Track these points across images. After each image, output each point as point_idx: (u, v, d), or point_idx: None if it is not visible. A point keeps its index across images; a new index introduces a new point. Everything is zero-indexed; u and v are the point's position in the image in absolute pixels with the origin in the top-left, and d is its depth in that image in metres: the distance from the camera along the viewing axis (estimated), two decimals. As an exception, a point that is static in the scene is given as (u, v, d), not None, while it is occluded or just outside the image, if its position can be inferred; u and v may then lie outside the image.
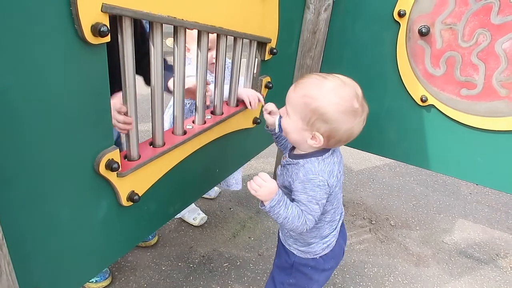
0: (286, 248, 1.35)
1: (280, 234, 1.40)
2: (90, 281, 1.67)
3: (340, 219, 1.31)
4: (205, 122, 1.41)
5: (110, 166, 1.04)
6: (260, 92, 1.67)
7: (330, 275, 1.42)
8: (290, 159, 1.20)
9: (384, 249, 2.15)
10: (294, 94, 1.09)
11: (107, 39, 0.89)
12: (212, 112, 1.49)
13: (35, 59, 0.75)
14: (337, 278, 1.91)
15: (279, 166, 1.31)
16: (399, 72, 1.83)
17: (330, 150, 1.16)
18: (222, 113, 1.50)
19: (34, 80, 0.77)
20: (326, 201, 1.15)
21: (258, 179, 1.08)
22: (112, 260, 1.38)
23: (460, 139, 1.85)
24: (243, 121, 1.64)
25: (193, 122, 1.40)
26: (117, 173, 1.08)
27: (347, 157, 3.10)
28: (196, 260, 1.90)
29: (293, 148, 1.24)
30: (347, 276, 1.94)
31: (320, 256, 1.31)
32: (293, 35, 1.80)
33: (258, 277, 1.85)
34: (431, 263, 2.09)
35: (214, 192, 2.39)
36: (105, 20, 0.87)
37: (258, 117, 1.72)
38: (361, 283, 1.90)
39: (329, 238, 1.29)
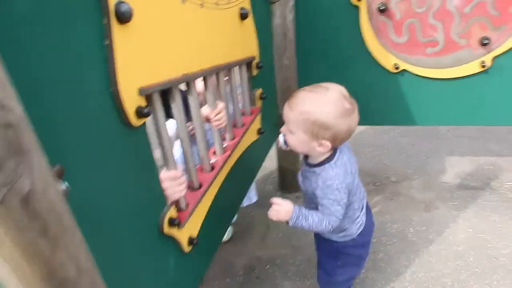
0: (326, 239, 1.51)
1: (315, 230, 1.56)
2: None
3: (364, 198, 1.48)
4: (225, 151, 1.51)
5: (173, 223, 1.13)
6: (254, 104, 1.78)
7: (370, 247, 1.60)
8: (308, 168, 1.35)
9: (395, 205, 2.36)
10: (292, 113, 1.21)
11: (148, 117, 0.97)
12: (224, 139, 1.59)
13: (91, 147, 0.80)
14: (367, 245, 2.10)
15: (299, 173, 1.45)
16: (368, 49, 1.99)
17: (338, 151, 1.30)
18: (234, 137, 1.60)
19: (90, 164, 0.82)
20: (349, 195, 1.31)
21: (275, 206, 1.28)
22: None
23: (432, 91, 2.06)
24: (250, 136, 1.75)
25: (214, 153, 1.50)
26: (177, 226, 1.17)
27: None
28: (241, 272, 2.02)
29: (307, 155, 1.37)
30: (374, 240, 2.13)
31: (357, 235, 1.47)
32: (269, 44, 1.90)
33: (301, 268, 2.00)
34: (438, 205, 2.32)
35: None
36: (144, 102, 0.95)
37: (260, 127, 1.84)
38: (388, 242, 2.10)
39: (359, 218, 1.45)
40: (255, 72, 1.71)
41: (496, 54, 1.89)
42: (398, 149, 2.93)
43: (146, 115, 0.94)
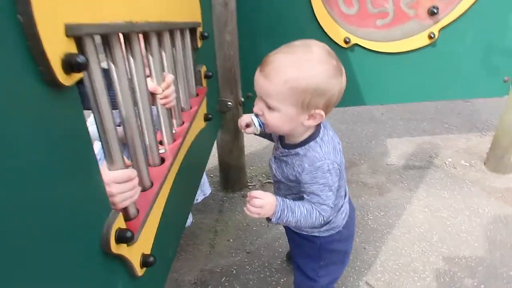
0: (305, 235, 1.27)
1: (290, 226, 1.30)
2: None
3: (346, 183, 1.27)
4: (174, 140, 1.17)
5: (123, 237, 0.77)
6: (201, 84, 1.47)
7: (353, 238, 1.40)
8: (286, 150, 1.09)
9: (349, 193, 2.21)
10: (272, 84, 0.94)
11: (81, 73, 0.61)
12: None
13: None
14: (330, 239, 1.90)
15: (272, 158, 1.19)
16: (317, 20, 1.79)
17: (321, 126, 1.08)
18: (183, 122, 1.27)
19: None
20: (339, 178, 1.08)
21: (256, 201, 0.99)
22: None
23: (383, 67, 1.95)
24: (198, 123, 1.43)
25: (161, 143, 1.15)
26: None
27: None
28: (192, 290, 1.67)
29: (282, 136, 1.12)
30: (335, 232, 1.94)
31: (343, 227, 1.26)
32: (208, 16, 1.59)
33: (262, 274, 1.72)
34: (390, 187, 2.23)
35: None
36: (75, 48, 0.60)
37: (207, 112, 1.52)
38: (350, 233, 1.93)
39: (343, 207, 1.26)
40: (200, 43, 1.39)
41: (443, 25, 1.83)
42: (339, 135, 2.78)
43: (81, 67, 0.58)
